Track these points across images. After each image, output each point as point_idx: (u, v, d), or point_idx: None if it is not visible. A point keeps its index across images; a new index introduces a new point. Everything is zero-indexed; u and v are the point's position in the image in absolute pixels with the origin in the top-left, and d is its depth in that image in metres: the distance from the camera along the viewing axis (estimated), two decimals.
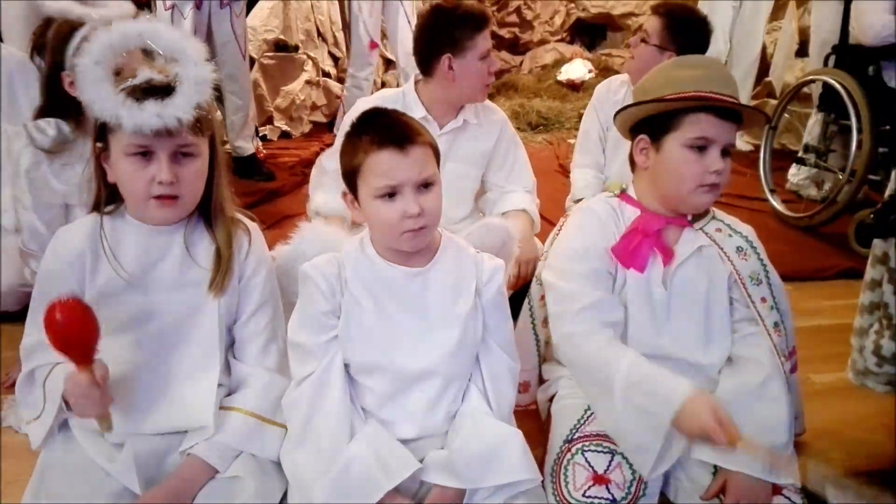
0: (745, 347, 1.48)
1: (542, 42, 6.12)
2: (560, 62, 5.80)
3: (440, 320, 1.32)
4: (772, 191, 3.31)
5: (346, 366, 1.32)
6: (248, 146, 3.49)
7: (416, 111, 2.07)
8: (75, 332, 1.15)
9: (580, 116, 3.00)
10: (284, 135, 4.18)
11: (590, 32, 6.25)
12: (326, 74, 4.47)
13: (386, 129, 1.25)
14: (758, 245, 1.51)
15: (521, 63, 6.00)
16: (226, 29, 3.16)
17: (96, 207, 1.35)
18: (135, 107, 1.18)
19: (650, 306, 1.47)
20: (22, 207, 1.83)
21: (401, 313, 1.31)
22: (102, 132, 1.26)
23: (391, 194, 1.24)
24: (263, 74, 4.11)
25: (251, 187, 3.31)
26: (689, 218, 1.50)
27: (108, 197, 1.34)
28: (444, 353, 1.31)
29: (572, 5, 6.11)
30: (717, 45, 4.11)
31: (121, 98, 1.18)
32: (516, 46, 6.14)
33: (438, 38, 2.00)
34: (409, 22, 3.74)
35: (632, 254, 1.46)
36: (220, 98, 3.46)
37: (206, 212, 1.37)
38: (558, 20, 6.13)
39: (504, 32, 6.08)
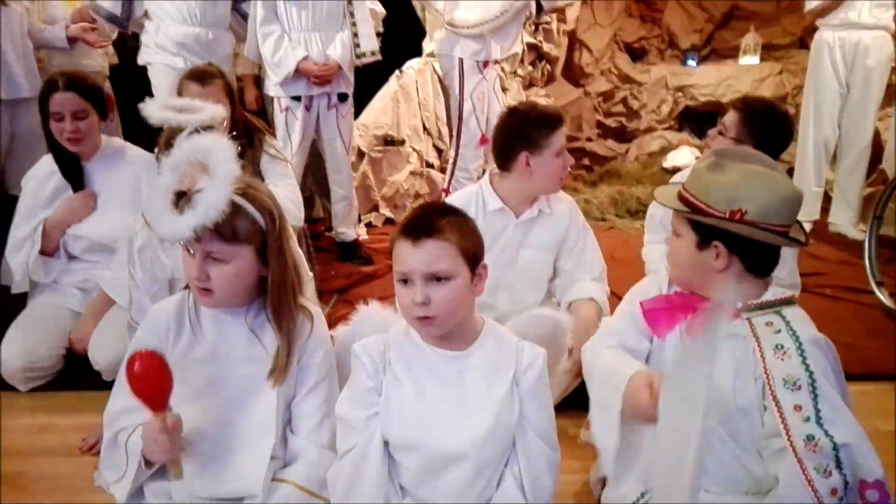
0: (772, 465, 1.38)
1: (649, 130, 6.13)
2: (667, 149, 5.77)
3: (476, 404, 1.37)
4: (879, 283, 3.12)
5: (386, 443, 1.39)
6: (349, 232, 3.73)
7: (492, 203, 2.21)
8: (151, 380, 1.33)
9: None
10: (388, 221, 4.42)
11: (698, 120, 6.22)
12: (430, 165, 4.71)
13: (410, 221, 1.36)
14: (809, 349, 1.38)
15: (627, 151, 6.04)
16: (332, 128, 3.46)
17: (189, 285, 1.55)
18: (162, 217, 1.35)
19: None
20: (133, 284, 2.07)
21: (438, 395, 1.38)
22: None
23: (405, 280, 1.34)
24: (372, 167, 4.39)
25: (350, 270, 3.53)
26: (739, 306, 1.48)
27: None
28: (477, 437, 1.35)
29: (680, 94, 6.12)
30: (825, 133, 4.00)
31: (162, 207, 1.36)
32: (623, 135, 6.19)
33: (516, 137, 2.15)
34: (501, 108, 3.93)
35: (653, 314, 1.50)
36: (325, 188, 3.78)
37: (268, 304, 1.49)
38: (665, 109, 6.14)
39: (610, 122, 6.16)
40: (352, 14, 3.32)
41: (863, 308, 3.08)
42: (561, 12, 5.28)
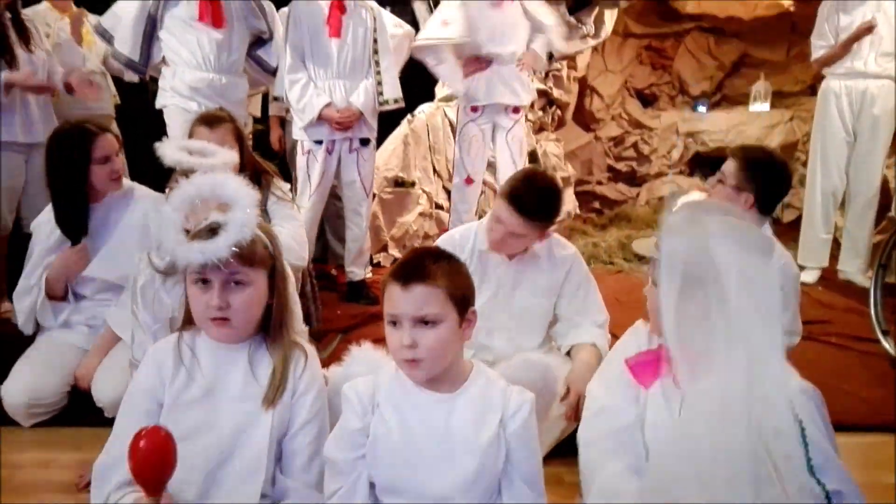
0: None
1: (660, 174, 6.17)
2: (677, 194, 5.80)
3: (462, 448, 1.38)
4: (884, 332, 3.09)
5: (372, 485, 1.40)
6: (359, 272, 3.77)
7: (484, 243, 2.23)
8: (153, 461, 1.25)
9: None
10: (396, 262, 4.45)
11: (710, 165, 6.25)
12: (439, 207, 4.77)
13: (402, 265, 1.40)
14: (797, 398, 1.36)
15: (638, 195, 6.07)
16: (352, 170, 3.55)
17: (186, 324, 1.58)
18: (185, 246, 1.40)
19: (667, 427, 1.45)
20: (136, 323, 2.11)
21: (425, 438, 1.39)
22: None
23: (394, 323, 1.36)
24: (382, 207, 4.46)
25: (355, 310, 3.55)
26: None
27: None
28: (462, 481, 1.36)
29: (690, 139, 6.16)
30: (833, 180, 4.01)
31: (180, 239, 1.41)
32: (633, 179, 6.23)
33: (509, 193, 2.14)
34: (511, 157, 3.99)
35: (638, 367, 1.50)
36: (340, 229, 3.84)
37: (269, 332, 1.55)
38: (676, 154, 6.18)
39: (621, 166, 6.21)
40: (377, 63, 3.45)
41: (868, 357, 3.05)
42: (572, 59, 5.38)
